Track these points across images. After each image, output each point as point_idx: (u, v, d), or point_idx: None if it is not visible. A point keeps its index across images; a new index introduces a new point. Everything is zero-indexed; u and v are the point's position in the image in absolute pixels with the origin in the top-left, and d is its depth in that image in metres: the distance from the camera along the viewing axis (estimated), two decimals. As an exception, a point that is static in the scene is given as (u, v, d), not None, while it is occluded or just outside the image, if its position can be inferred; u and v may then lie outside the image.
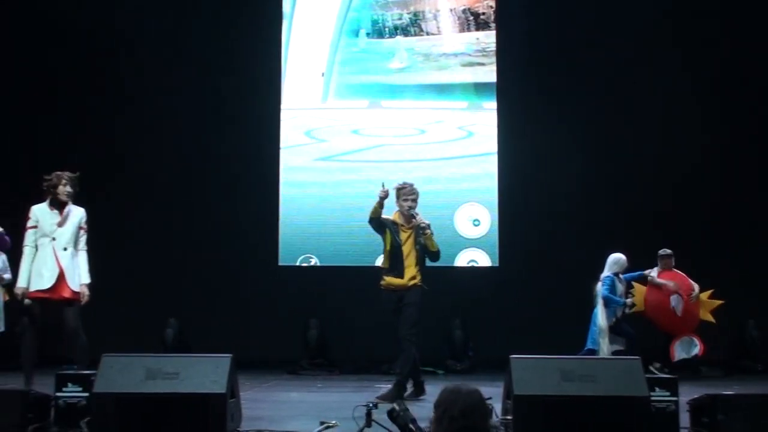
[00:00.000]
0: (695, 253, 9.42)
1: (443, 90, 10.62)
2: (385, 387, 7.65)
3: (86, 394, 4.60)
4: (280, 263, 10.42)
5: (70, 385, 4.67)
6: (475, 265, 10.35)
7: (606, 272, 8.31)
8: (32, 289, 6.31)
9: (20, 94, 10.42)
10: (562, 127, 10.24)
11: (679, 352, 8.90)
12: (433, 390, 6.81)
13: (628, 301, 8.62)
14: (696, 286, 8.96)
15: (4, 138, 10.38)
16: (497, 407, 5.07)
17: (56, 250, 6.35)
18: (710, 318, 9.02)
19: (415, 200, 6.75)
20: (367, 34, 10.74)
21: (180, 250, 10.24)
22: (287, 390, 7.68)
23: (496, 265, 10.34)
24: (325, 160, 10.61)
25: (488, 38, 10.61)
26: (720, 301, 9.05)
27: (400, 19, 10.70)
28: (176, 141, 10.48)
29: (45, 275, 6.30)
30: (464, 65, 10.62)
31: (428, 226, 6.70)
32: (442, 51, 10.67)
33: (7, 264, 8.97)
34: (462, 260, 10.23)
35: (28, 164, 9.43)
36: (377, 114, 10.70)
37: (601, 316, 8.11)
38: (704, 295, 9.02)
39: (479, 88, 10.59)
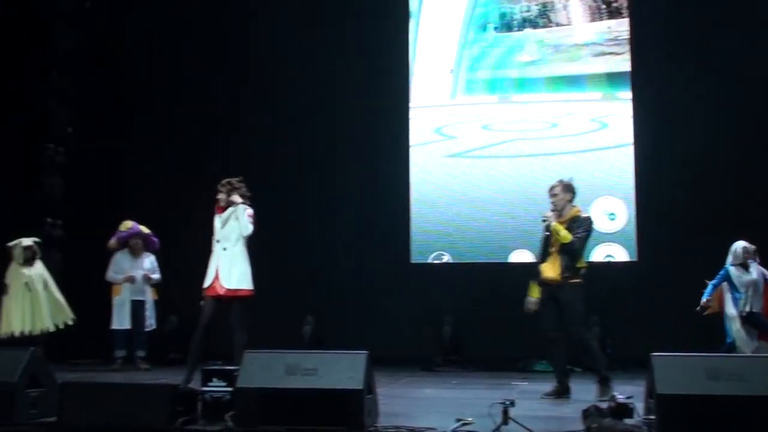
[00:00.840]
0: None
1: (575, 81, 10.39)
2: (522, 384, 7.59)
3: (230, 389, 4.75)
4: (412, 261, 10.47)
5: (215, 380, 4.84)
6: (612, 260, 10.08)
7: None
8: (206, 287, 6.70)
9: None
10: (699, 115, 9.82)
11: None
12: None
13: (703, 300, 8.18)
14: None
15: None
16: (639, 406, 4.93)
17: (220, 250, 6.68)
18: None
19: (553, 195, 6.68)
20: (495, 28, 10.63)
21: (315, 250, 10.46)
22: (422, 387, 7.70)
23: (634, 259, 10.03)
24: (455, 157, 10.59)
25: (621, 26, 10.30)
26: None
27: (528, 11, 10.55)
28: (307, 141, 10.70)
29: (210, 275, 6.68)
30: (596, 55, 10.35)
31: (546, 219, 6.60)
32: (573, 42, 10.44)
33: (156, 264, 9.44)
34: (598, 255, 9.96)
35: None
36: (507, 109, 10.59)
37: (728, 305, 8.01)
38: None
39: (612, 78, 10.30)
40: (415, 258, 10.47)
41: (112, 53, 11.01)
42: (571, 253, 6.55)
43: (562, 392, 6.54)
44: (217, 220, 6.80)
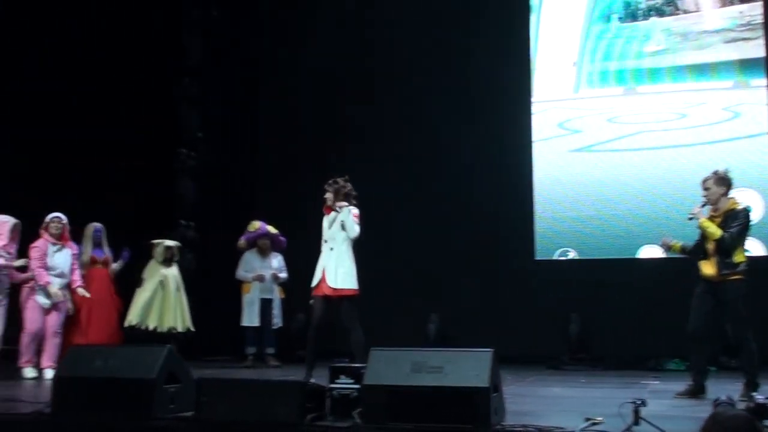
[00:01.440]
0: None
1: (704, 70, 10.00)
2: (653, 383, 7.38)
3: (357, 386, 4.81)
4: (537, 257, 10.34)
5: (342, 377, 4.91)
6: (749, 254, 9.62)
7: None
8: (313, 286, 6.82)
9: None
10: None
11: None
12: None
13: None
14: None
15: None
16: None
17: (327, 250, 6.79)
18: None
19: (705, 188, 6.42)
20: (619, 18, 10.36)
21: (439, 247, 10.46)
22: (550, 385, 7.59)
23: (771, 254, 9.57)
24: (579, 151, 10.39)
25: (753, 11, 9.84)
26: None
27: (653, -2, 10.23)
28: (428, 139, 10.72)
29: (318, 274, 6.81)
30: (727, 42, 9.93)
31: (693, 216, 6.36)
32: (702, 29, 10.05)
33: (283, 264, 9.68)
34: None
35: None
36: (633, 100, 10.30)
37: None
38: None
39: (745, 65, 9.85)
40: (540, 255, 10.33)
41: (239, 59, 11.37)
42: (724, 249, 6.23)
43: (697, 391, 6.31)
44: (325, 221, 6.90)
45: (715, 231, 6.23)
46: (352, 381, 4.86)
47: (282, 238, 9.65)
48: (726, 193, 6.33)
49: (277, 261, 9.67)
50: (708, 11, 10.06)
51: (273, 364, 9.29)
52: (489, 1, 10.71)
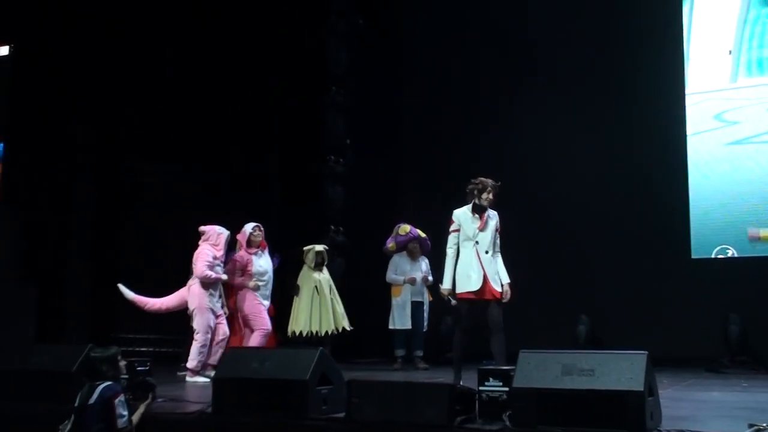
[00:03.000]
0: None
1: None
2: None
3: (506, 389, 4.78)
4: (693, 256, 9.93)
5: (491, 379, 4.89)
6: None
7: None
8: (460, 290, 6.70)
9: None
10: None
11: None
12: None
13: None
14: None
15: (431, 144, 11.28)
16: None
17: (479, 253, 6.71)
18: None
19: None
20: (781, 0, 9.82)
21: (590, 246, 10.23)
22: (708, 389, 7.28)
23: None
24: (738, 144, 9.91)
25: None
26: None
27: (818, -22, 9.63)
28: (577, 134, 10.34)
29: (473, 277, 6.65)
30: None
31: None
32: None
33: (429, 267, 9.75)
34: None
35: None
36: (795, 88, 9.74)
37: None
38: None
39: None
40: (697, 253, 9.91)
41: (383, 66, 11.54)
42: None
43: None
44: (471, 219, 6.73)
45: None
46: (500, 384, 4.84)
47: (429, 242, 9.72)
48: None
49: (425, 264, 9.74)
50: None
51: (422, 366, 9.36)
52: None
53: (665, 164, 10.14)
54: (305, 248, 9.27)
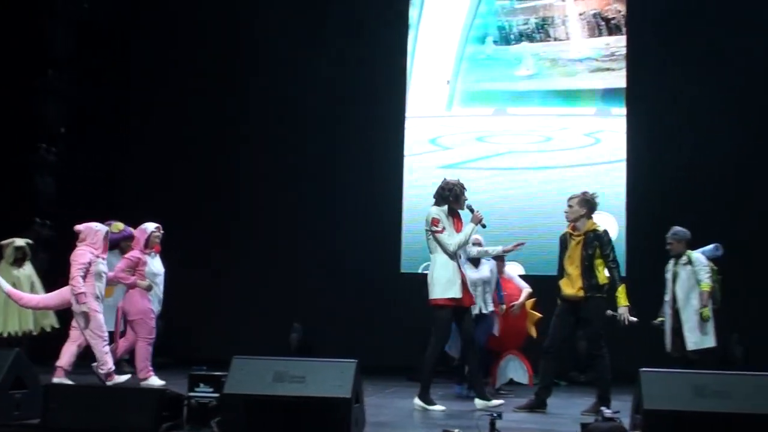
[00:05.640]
0: None
1: (570, 96, 10.44)
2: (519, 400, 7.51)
3: (217, 395, 4.72)
4: (402, 270, 10.45)
5: (201, 385, 4.81)
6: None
7: None
8: (444, 296, 6.53)
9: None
10: (693, 132, 9.93)
11: (502, 375, 7.74)
12: (554, 401, 6.69)
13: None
14: (524, 292, 7.70)
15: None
16: (625, 421, 4.93)
17: (456, 257, 6.57)
18: (533, 332, 7.76)
19: (569, 206, 6.62)
20: (494, 42, 10.66)
21: (305, 257, 10.44)
22: (409, 397, 7.63)
23: (623, 275, 10.00)
24: (449, 168, 10.56)
25: (619, 43, 10.35)
26: (540, 315, 7.68)
27: (526, 24, 10.58)
28: (301, 148, 10.72)
29: (457, 283, 6.52)
30: (592, 71, 10.40)
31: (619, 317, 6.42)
32: (570, 57, 10.48)
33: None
34: (588, 270, 9.95)
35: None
36: (502, 121, 10.62)
37: None
38: (529, 304, 7.76)
39: (607, 94, 10.34)
40: (405, 268, 10.45)
41: (110, 54, 10.99)
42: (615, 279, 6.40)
43: (536, 406, 6.48)
44: (451, 225, 6.59)
45: (625, 301, 6.33)
46: (211, 389, 4.77)
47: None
48: (587, 215, 6.53)
49: (140, 264, 9.36)
50: (577, 40, 10.50)
51: (127, 370, 8.97)
52: (369, 13, 10.75)
53: (383, 182, 10.59)
54: (3, 243, 8.58)
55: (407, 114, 10.74)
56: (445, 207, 6.63)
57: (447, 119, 10.74)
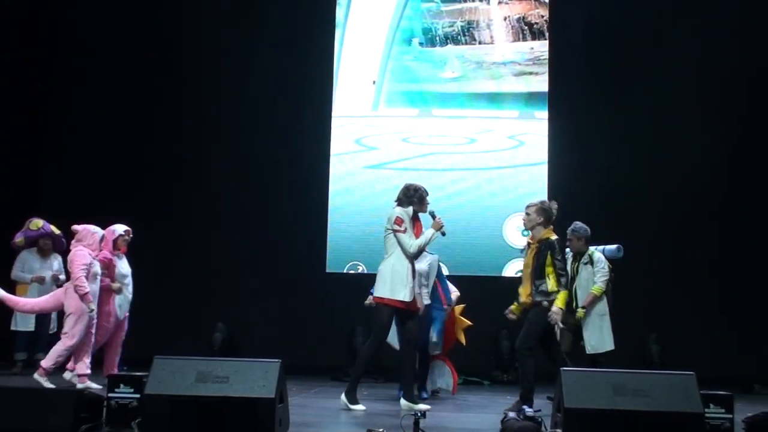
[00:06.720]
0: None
1: (494, 99, 10.58)
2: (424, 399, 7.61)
3: (138, 396, 4.65)
4: (328, 270, 10.44)
5: (122, 386, 4.73)
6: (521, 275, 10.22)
7: None
8: (392, 296, 6.47)
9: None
10: (614, 136, 10.22)
11: (431, 381, 7.68)
12: (477, 400, 6.78)
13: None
14: (453, 298, 7.71)
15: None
16: (546, 421, 5.03)
17: (411, 262, 6.58)
18: (462, 338, 7.76)
19: (526, 213, 6.69)
20: (420, 43, 10.74)
21: (229, 256, 10.36)
22: (333, 397, 7.64)
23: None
24: (374, 168, 10.63)
25: (542, 47, 10.55)
26: (469, 322, 7.74)
27: (451, 27, 10.69)
28: (226, 148, 10.67)
29: (408, 287, 6.50)
30: (516, 74, 10.57)
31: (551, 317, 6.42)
32: (495, 60, 10.63)
33: (62, 265, 9.15)
34: (510, 270, 10.12)
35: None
36: (427, 123, 10.69)
37: None
38: (458, 310, 7.78)
39: (531, 98, 10.52)
40: (331, 267, 10.45)
41: (27, 47, 10.67)
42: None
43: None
44: (411, 228, 6.57)
45: (559, 307, 6.34)
46: (132, 390, 4.69)
47: (64, 240, 9.14)
48: (543, 224, 6.56)
49: (57, 263, 9.13)
50: (501, 44, 10.65)
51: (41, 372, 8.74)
52: (296, 12, 10.74)
53: (309, 181, 10.57)
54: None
55: (334, 113, 10.73)
56: (410, 209, 6.63)
57: (373, 119, 10.77)
